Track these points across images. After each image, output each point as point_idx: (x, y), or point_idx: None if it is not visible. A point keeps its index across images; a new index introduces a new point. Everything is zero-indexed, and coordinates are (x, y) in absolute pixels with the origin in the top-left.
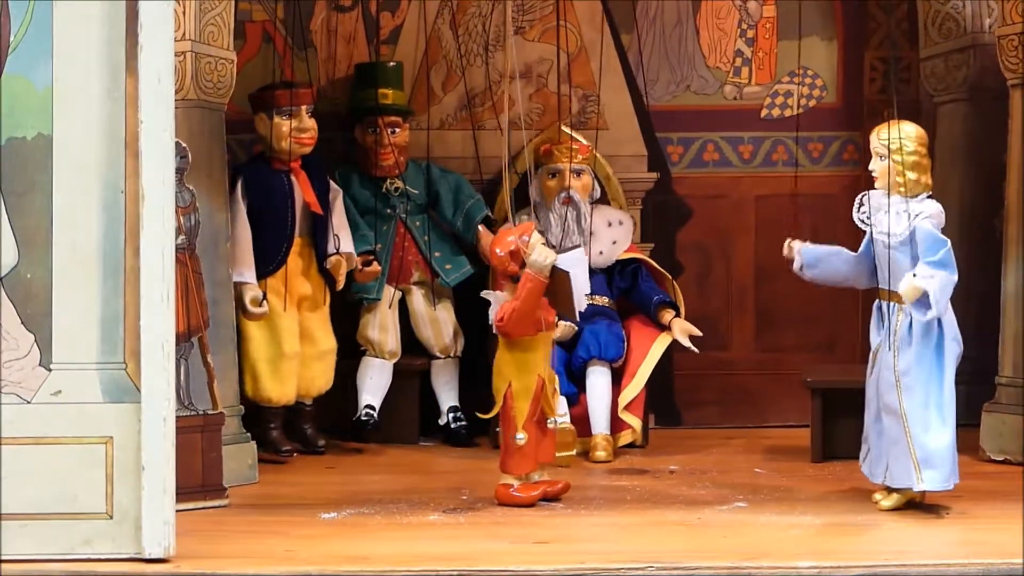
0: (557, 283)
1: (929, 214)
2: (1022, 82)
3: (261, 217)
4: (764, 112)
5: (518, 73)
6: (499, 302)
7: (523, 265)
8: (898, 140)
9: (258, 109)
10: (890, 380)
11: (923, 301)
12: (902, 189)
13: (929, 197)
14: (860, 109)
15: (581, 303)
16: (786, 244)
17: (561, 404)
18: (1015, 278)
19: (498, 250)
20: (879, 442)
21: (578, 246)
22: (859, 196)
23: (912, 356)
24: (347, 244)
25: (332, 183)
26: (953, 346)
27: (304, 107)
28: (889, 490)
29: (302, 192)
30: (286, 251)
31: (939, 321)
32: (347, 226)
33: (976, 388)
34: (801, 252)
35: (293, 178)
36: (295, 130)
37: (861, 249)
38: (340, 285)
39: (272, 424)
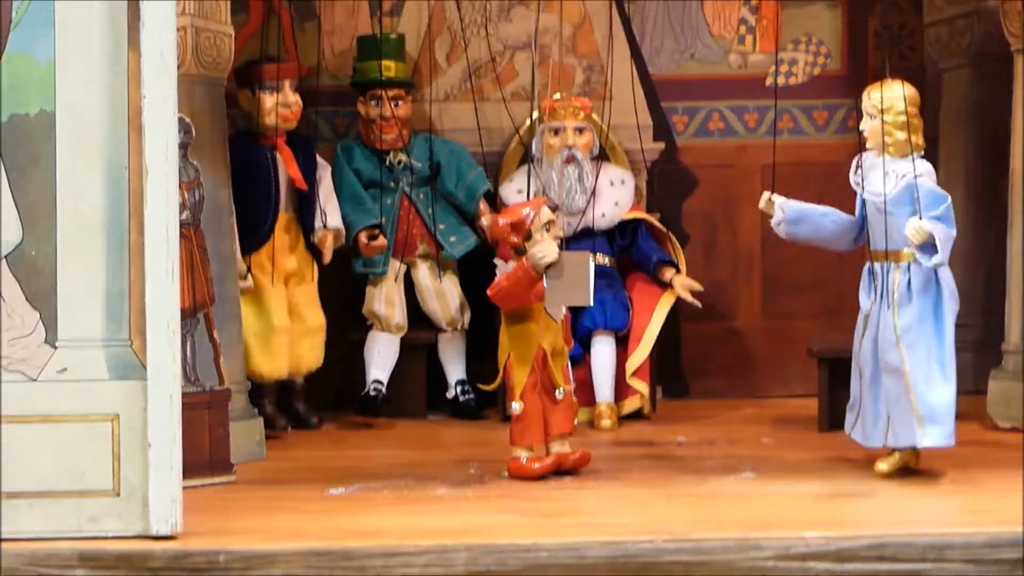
0: (568, 268)
1: (920, 173)
2: None
3: (245, 192)
4: (769, 80)
5: (534, 42)
6: (505, 272)
7: (527, 237)
8: (889, 100)
9: (242, 85)
10: (891, 339)
11: (927, 247)
12: (891, 149)
13: (921, 157)
14: (865, 76)
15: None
16: (763, 197)
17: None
18: (1020, 244)
19: (502, 219)
20: (875, 405)
21: (590, 252)
22: (855, 159)
23: (913, 313)
24: (334, 219)
25: (319, 159)
26: (951, 302)
27: (288, 82)
28: (890, 452)
29: (286, 167)
30: (271, 226)
31: (936, 278)
32: (335, 200)
33: (983, 355)
34: (784, 208)
35: (277, 153)
36: (279, 105)
37: (857, 212)
38: (327, 259)
39: (265, 399)
